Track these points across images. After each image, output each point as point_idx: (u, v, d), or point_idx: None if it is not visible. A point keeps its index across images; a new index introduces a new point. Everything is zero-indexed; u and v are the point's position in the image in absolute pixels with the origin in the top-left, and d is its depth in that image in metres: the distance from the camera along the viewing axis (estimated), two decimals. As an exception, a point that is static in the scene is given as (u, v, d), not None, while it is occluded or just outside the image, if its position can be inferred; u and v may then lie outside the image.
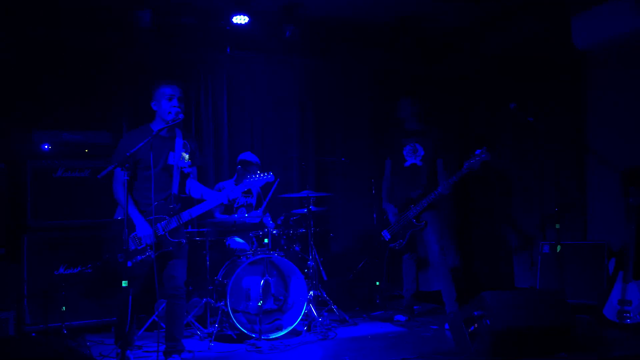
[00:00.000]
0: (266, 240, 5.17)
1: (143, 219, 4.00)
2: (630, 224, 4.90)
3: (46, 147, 5.18)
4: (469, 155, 5.06)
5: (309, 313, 5.16)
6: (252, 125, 6.64)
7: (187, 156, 4.18)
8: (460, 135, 7.26)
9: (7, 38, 5.43)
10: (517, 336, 3.90)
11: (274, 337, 4.82)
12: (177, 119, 4.05)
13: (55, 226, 5.08)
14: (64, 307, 4.89)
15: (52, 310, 4.92)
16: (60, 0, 5.37)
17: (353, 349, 4.55)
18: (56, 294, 4.92)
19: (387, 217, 5.53)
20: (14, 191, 5.09)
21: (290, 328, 4.93)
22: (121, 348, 3.86)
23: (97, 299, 5.11)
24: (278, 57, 6.69)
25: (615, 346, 4.41)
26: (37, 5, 5.36)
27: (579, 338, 4.22)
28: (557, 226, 4.68)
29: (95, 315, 5.11)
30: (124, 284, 3.65)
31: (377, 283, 6.35)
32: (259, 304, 4.74)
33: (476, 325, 3.97)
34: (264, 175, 4.25)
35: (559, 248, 4.66)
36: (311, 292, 5.26)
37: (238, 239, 5.57)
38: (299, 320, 4.98)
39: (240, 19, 5.75)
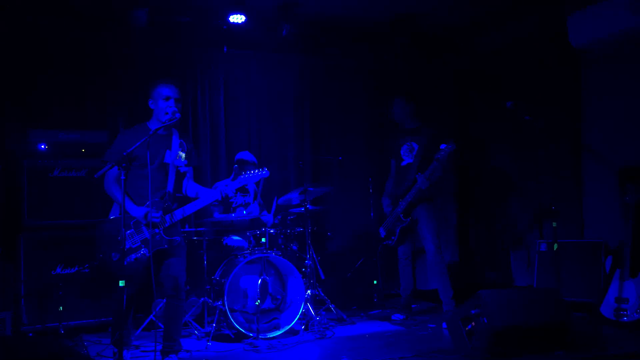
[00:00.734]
0: (264, 240, 5.17)
1: (138, 206, 3.98)
2: (627, 222, 4.91)
3: (42, 146, 5.17)
4: (439, 148, 5.09)
5: (306, 312, 5.16)
6: (248, 124, 6.63)
7: (183, 155, 4.18)
8: (457, 133, 7.26)
9: (3, 36, 5.42)
10: (515, 334, 3.91)
11: (271, 336, 4.82)
12: (174, 119, 4.05)
13: (52, 226, 5.07)
14: (61, 307, 4.89)
15: (49, 310, 4.92)
16: (57, -1, 5.36)
17: (351, 347, 4.55)
18: (53, 294, 4.92)
19: (384, 216, 5.56)
20: (10, 191, 5.08)
21: (287, 327, 4.93)
22: (117, 347, 3.84)
23: (94, 299, 5.10)
24: (274, 56, 6.68)
25: (612, 344, 4.41)
26: (32, 3, 5.34)
27: (576, 336, 4.22)
28: (554, 224, 4.68)
29: (93, 315, 5.10)
30: (121, 283, 3.64)
31: (375, 282, 6.36)
32: (257, 303, 4.74)
33: (473, 323, 3.98)
34: (258, 171, 4.25)
35: (556, 246, 4.66)
36: (309, 291, 5.26)
37: (235, 237, 5.57)
38: (296, 319, 4.98)
39: (237, 18, 5.75)
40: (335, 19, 6.26)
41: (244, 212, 5.64)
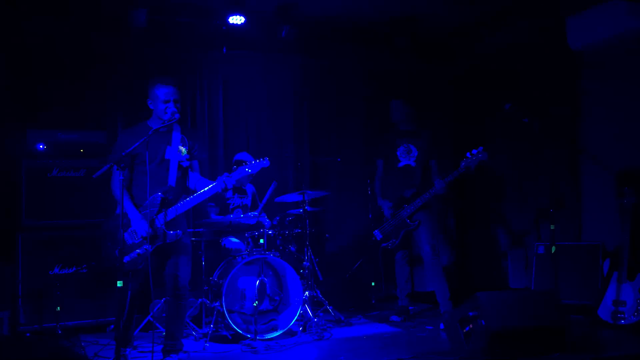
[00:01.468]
0: (262, 241, 5.17)
1: (138, 212, 4.00)
2: (624, 225, 4.92)
3: (41, 146, 5.16)
4: (466, 155, 5.07)
5: (304, 313, 5.16)
6: (247, 125, 6.63)
7: (184, 150, 4.18)
8: (455, 135, 7.27)
9: (2, 37, 5.41)
10: (512, 336, 3.91)
11: (269, 337, 4.82)
12: (173, 119, 4.06)
13: (50, 226, 5.07)
14: (58, 307, 4.89)
15: (46, 310, 4.91)
16: (55, -1, 5.37)
17: (348, 349, 4.56)
18: (51, 294, 4.91)
19: (382, 213, 5.54)
20: (9, 191, 5.08)
21: (285, 328, 4.93)
22: (116, 345, 3.84)
23: (92, 299, 5.10)
24: (273, 57, 6.68)
25: (610, 347, 4.43)
26: (31, 4, 5.34)
27: (574, 338, 4.23)
28: (552, 227, 4.68)
29: (90, 315, 5.09)
30: (119, 284, 3.64)
31: (373, 283, 6.36)
32: (255, 304, 4.74)
33: (471, 325, 3.98)
34: (259, 161, 4.25)
35: (553, 249, 4.66)
36: (307, 293, 5.26)
37: (234, 239, 5.57)
38: (294, 320, 4.98)
39: (236, 19, 5.75)
40: (334, 21, 6.26)
41: (242, 214, 5.64)
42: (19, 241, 4.96)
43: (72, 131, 5.30)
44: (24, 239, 4.98)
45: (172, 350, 4.11)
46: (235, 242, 5.52)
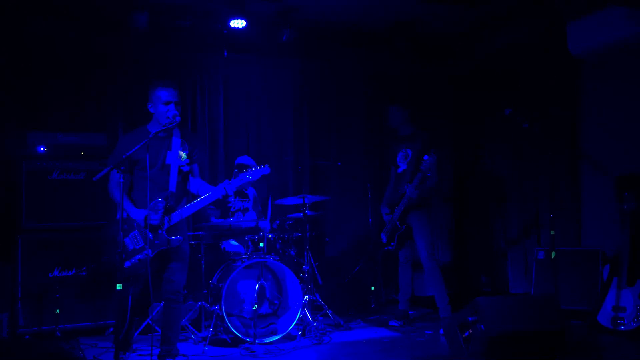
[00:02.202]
0: (262, 244, 5.17)
1: (139, 209, 4.00)
2: (624, 231, 4.91)
3: (41, 148, 5.17)
4: (423, 158, 5.11)
5: (303, 317, 5.16)
6: (247, 129, 6.64)
7: (184, 154, 4.18)
8: (455, 136, 7.28)
9: (3, 39, 5.42)
10: (511, 341, 3.90)
11: (268, 341, 4.81)
12: (174, 122, 4.06)
13: (50, 228, 5.07)
14: (57, 310, 4.89)
15: (45, 312, 4.91)
16: (57, 1, 5.36)
17: (347, 353, 4.55)
18: (50, 296, 4.91)
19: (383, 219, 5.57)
20: (9, 193, 5.08)
21: (284, 332, 4.93)
22: (115, 349, 3.84)
23: (91, 302, 5.10)
24: (274, 61, 6.69)
25: (609, 352, 4.43)
26: (33, 6, 5.35)
27: (573, 344, 4.23)
28: (552, 232, 4.69)
29: (89, 318, 5.10)
30: (119, 287, 3.64)
31: (372, 288, 6.35)
32: (254, 308, 4.73)
33: (470, 330, 3.98)
34: (260, 168, 4.25)
35: (553, 254, 4.66)
36: (306, 297, 5.25)
37: (233, 242, 5.56)
38: (293, 324, 4.98)
39: (238, 23, 5.76)
40: (335, 24, 6.27)
41: (243, 216, 5.64)
42: (19, 243, 4.96)
43: (72, 133, 5.31)
44: (23, 241, 4.98)
45: (168, 355, 4.10)
46: (235, 246, 5.52)
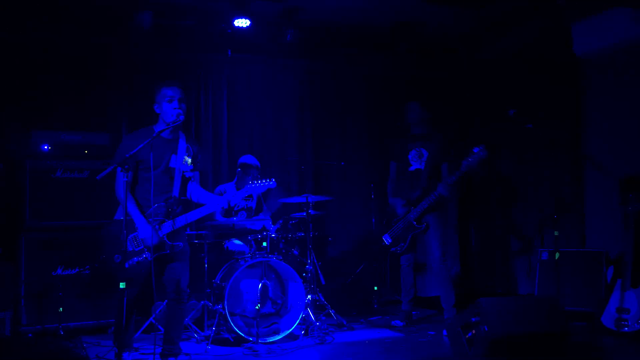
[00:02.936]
0: (265, 244, 5.16)
1: (145, 220, 3.99)
2: (628, 232, 4.90)
3: (45, 147, 5.17)
4: (467, 154, 5.04)
5: (306, 317, 5.16)
6: (251, 128, 6.64)
7: (189, 160, 4.18)
8: (458, 140, 7.26)
9: (7, 38, 5.43)
10: (514, 343, 3.90)
11: (271, 341, 4.81)
12: (178, 121, 4.05)
13: (53, 227, 5.07)
14: (60, 308, 4.89)
15: (48, 311, 4.92)
16: (61, 0, 5.37)
17: (350, 353, 4.55)
18: (53, 295, 4.92)
19: (392, 215, 5.47)
20: (13, 191, 5.09)
21: (287, 332, 4.93)
22: (117, 349, 3.84)
23: (94, 301, 5.10)
24: (278, 61, 6.70)
25: (613, 354, 4.42)
26: (37, 5, 5.35)
27: (576, 345, 4.22)
28: (556, 233, 4.68)
29: (92, 316, 5.10)
30: (122, 285, 3.63)
31: (375, 288, 6.34)
32: (257, 307, 4.73)
33: (473, 331, 3.97)
34: (265, 181, 4.24)
35: (557, 255, 4.66)
36: (309, 296, 5.25)
37: (237, 241, 5.56)
38: (296, 324, 4.97)
39: (242, 23, 5.75)
40: (339, 25, 6.27)
41: (246, 217, 5.63)
42: (22, 241, 4.97)
43: (76, 132, 5.31)
44: (27, 239, 4.98)
45: (170, 354, 4.10)
46: (238, 245, 5.52)
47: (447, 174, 5.35)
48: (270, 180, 4.26)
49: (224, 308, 4.72)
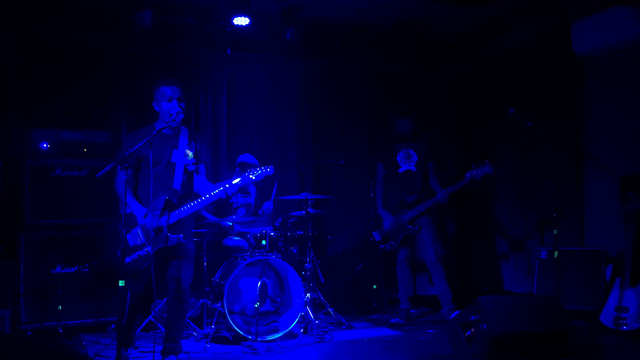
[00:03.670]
0: (264, 242, 5.16)
1: (145, 209, 4.00)
2: (628, 231, 4.90)
3: (45, 145, 5.17)
4: (471, 166, 5.09)
5: (305, 315, 5.16)
6: (251, 127, 6.64)
7: (190, 153, 4.18)
8: (458, 139, 7.26)
9: (7, 36, 5.42)
10: (514, 341, 3.90)
11: (270, 339, 4.81)
12: (177, 119, 4.05)
13: (52, 225, 5.07)
14: (60, 306, 4.89)
15: (48, 309, 4.91)
16: (61, -1, 5.38)
17: (349, 351, 4.55)
18: (52, 293, 4.92)
19: (381, 223, 5.54)
20: (12, 189, 5.09)
21: (286, 330, 4.93)
22: (118, 346, 3.84)
23: (93, 299, 5.10)
24: (278, 59, 6.69)
25: (612, 353, 4.42)
26: (36, 3, 5.35)
27: (576, 344, 4.22)
28: (555, 232, 4.68)
29: (92, 314, 5.10)
30: (121, 283, 3.64)
31: (374, 286, 6.34)
32: (256, 305, 4.73)
33: (473, 329, 3.97)
34: (263, 168, 4.24)
35: (556, 254, 4.65)
36: (308, 295, 5.25)
37: (236, 237, 5.56)
38: (295, 322, 4.98)
39: (241, 21, 5.75)
40: (339, 23, 6.27)
41: (245, 212, 5.63)
42: (22, 240, 4.96)
43: (75, 131, 5.31)
44: (26, 237, 4.98)
45: (171, 352, 4.10)
46: (237, 240, 5.51)
47: (433, 174, 5.47)
48: (268, 168, 4.24)
49: (223, 306, 4.73)
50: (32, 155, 5.10)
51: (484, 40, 6.64)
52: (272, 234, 5.36)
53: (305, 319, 5.17)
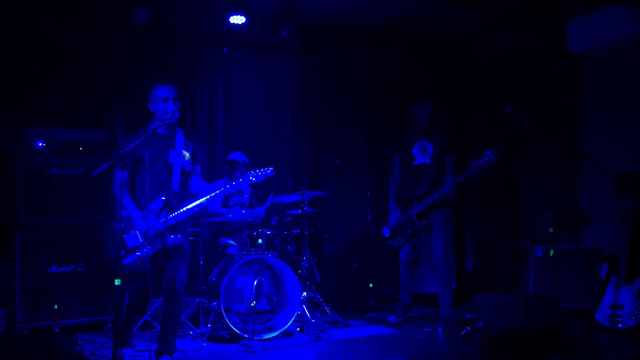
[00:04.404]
0: (260, 241, 5.16)
1: (142, 213, 4.01)
2: (623, 229, 4.92)
3: (40, 144, 5.16)
4: (478, 155, 5.03)
5: (302, 314, 5.16)
6: (247, 126, 6.63)
7: (187, 154, 4.18)
8: (455, 136, 7.25)
9: (1, 35, 5.41)
10: (509, 339, 3.91)
11: (266, 337, 4.81)
12: (173, 118, 4.06)
13: (48, 224, 5.06)
14: (56, 305, 4.88)
15: (44, 308, 4.90)
16: (57, -3, 5.36)
17: (345, 350, 4.56)
18: (48, 292, 4.90)
19: (389, 216, 5.48)
20: (7, 188, 5.08)
21: (283, 329, 4.93)
22: (114, 345, 3.84)
23: (89, 298, 5.09)
24: (274, 58, 6.68)
25: (607, 351, 4.43)
26: (32, 2, 5.33)
27: (571, 342, 4.23)
28: (551, 230, 4.69)
29: (87, 313, 5.09)
30: (117, 282, 3.64)
31: (371, 285, 6.35)
32: (252, 304, 4.73)
33: (469, 327, 3.98)
34: (263, 170, 4.24)
35: (552, 252, 4.67)
36: (304, 293, 5.25)
37: (232, 241, 5.55)
38: (291, 321, 4.98)
39: (237, 19, 5.75)
40: (336, 22, 6.27)
41: (241, 211, 5.63)
42: (17, 239, 4.95)
43: (71, 129, 5.30)
44: (22, 236, 4.97)
45: (165, 352, 4.11)
46: (233, 242, 5.51)
47: (451, 169, 5.33)
48: (268, 169, 4.24)
49: (219, 305, 4.73)
50: (27, 154, 5.08)
51: (479, 38, 6.64)
52: (268, 232, 5.36)
53: (301, 317, 5.17)
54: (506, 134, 6.39)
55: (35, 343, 4.17)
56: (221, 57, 6.42)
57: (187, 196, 4.20)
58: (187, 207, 4.08)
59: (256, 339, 4.70)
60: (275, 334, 4.88)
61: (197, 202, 4.09)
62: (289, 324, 4.96)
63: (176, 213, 4.05)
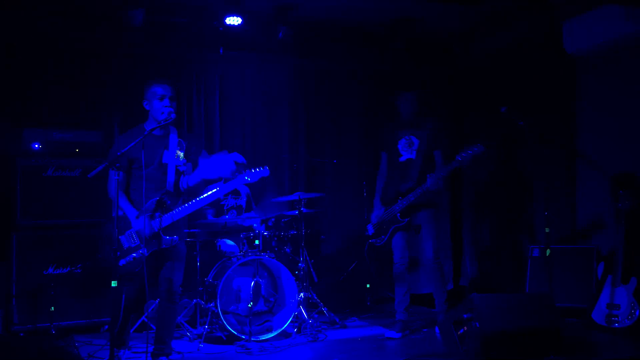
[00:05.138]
0: (257, 242, 5.16)
1: (138, 213, 4.00)
2: (619, 229, 4.93)
3: (36, 145, 5.15)
4: (462, 148, 4.88)
5: (299, 315, 5.16)
6: (243, 126, 6.62)
7: (181, 154, 4.17)
8: (450, 137, 7.26)
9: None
10: (506, 339, 3.92)
11: (263, 338, 4.81)
12: (170, 119, 4.04)
13: (44, 225, 5.05)
14: (52, 307, 4.87)
15: (40, 310, 4.90)
16: (52, -2, 5.35)
17: (343, 350, 4.56)
18: (45, 294, 4.90)
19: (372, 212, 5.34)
20: (3, 190, 5.07)
21: (280, 330, 4.93)
22: (111, 347, 3.83)
23: (86, 299, 5.08)
24: (270, 58, 6.68)
25: (603, 350, 4.45)
26: (27, 2, 5.32)
27: (568, 341, 4.24)
28: (547, 229, 4.70)
29: (84, 315, 5.08)
30: (113, 284, 3.63)
31: (368, 285, 6.35)
32: (249, 305, 4.73)
33: (465, 327, 3.99)
34: (258, 169, 4.23)
35: (548, 252, 4.68)
36: (301, 294, 5.25)
37: (229, 242, 5.55)
38: (289, 322, 4.98)
39: (234, 20, 5.74)
40: (332, 23, 6.27)
41: (237, 214, 5.63)
42: (13, 241, 4.94)
43: (67, 131, 5.28)
44: (18, 238, 4.96)
45: (161, 354, 4.10)
46: (230, 245, 5.51)
47: (441, 164, 5.09)
48: (263, 168, 4.22)
49: (216, 306, 4.72)
50: (23, 155, 5.07)
51: (476, 38, 6.65)
52: (265, 233, 5.35)
53: (298, 318, 5.17)
54: (503, 134, 6.41)
55: (32, 345, 4.16)
56: (218, 57, 6.41)
57: (182, 196, 4.20)
58: (183, 207, 4.08)
59: (253, 340, 4.70)
60: (272, 334, 4.88)
61: (191, 203, 4.08)
62: (286, 325, 4.96)
63: (171, 213, 4.04)
